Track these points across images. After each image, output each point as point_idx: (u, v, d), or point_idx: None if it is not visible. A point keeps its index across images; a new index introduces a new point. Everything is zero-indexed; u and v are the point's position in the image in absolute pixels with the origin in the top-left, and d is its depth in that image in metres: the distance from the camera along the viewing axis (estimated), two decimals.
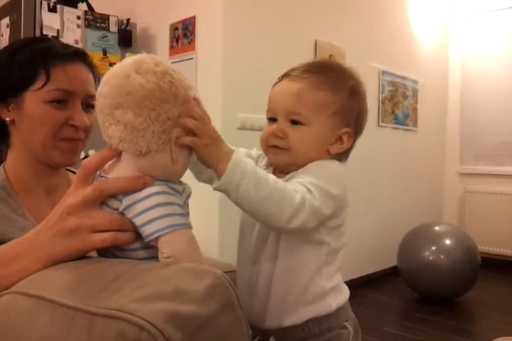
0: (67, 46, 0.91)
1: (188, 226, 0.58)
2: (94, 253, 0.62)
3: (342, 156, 0.84)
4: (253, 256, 0.80)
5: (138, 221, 0.56)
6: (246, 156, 0.73)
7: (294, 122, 0.78)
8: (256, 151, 0.89)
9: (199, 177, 0.80)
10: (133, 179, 0.57)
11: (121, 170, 0.59)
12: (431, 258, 2.74)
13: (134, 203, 0.57)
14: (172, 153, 0.58)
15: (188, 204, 0.65)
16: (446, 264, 2.70)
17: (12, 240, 0.62)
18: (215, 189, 0.65)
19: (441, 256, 2.72)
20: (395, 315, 2.76)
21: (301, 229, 0.70)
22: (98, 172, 0.62)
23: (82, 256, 0.59)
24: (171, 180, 0.61)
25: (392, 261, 3.12)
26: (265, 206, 0.65)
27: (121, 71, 0.57)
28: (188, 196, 0.65)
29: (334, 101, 0.78)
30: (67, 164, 0.92)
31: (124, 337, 0.42)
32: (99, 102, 0.58)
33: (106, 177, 0.60)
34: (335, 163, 0.80)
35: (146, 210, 0.56)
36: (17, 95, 0.85)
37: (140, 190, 0.57)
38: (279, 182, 0.68)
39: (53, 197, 0.91)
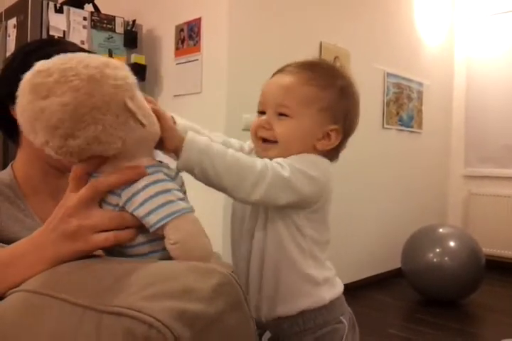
0: (81, 50, 0.92)
1: (191, 209, 0.58)
2: (100, 251, 0.62)
3: (332, 155, 0.85)
4: (245, 252, 0.82)
5: (140, 212, 0.56)
6: (240, 146, 0.79)
7: (282, 114, 0.79)
8: (249, 144, 0.90)
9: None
10: (126, 171, 0.57)
11: (113, 165, 0.58)
12: (435, 260, 2.73)
13: (133, 195, 0.57)
14: (138, 121, 0.56)
15: (185, 191, 0.65)
16: (451, 266, 2.69)
17: (19, 240, 0.63)
18: (178, 169, 0.66)
19: (446, 258, 2.72)
20: (399, 317, 2.75)
21: (270, 203, 0.71)
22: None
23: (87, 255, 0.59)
24: (156, 139, 0.61)
25: (396, 263, 3.12)
26: (227, 177, 0.67)
27: (31, 111, 0.52)
28: (183, 183, 0.65)
29: (322, 98, 0.80)
30: None
31: (133, 335, 0.42)
32: (49, 149, 0.55)
33: (98, 175, 0.60)
34: (320, 157, 0.81)
35: (146, 200, 0.56)
36: None
37: (135, 180, 0.56)
38: (238, 153, 0.69)
39: (60, 199, 0.92)
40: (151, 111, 0.60)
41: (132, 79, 0.56)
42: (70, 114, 0.50)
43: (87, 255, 0.59)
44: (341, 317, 0.81)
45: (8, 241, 0.65)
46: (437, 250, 2.75)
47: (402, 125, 3.56)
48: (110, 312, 0.45)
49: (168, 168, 0.62)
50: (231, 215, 0.87)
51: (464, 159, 4.08)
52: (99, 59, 0.54)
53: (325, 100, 0.80)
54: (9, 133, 0.93)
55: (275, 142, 0.79)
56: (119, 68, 0.55)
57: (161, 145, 0.63)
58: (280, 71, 0.85)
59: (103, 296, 0.48)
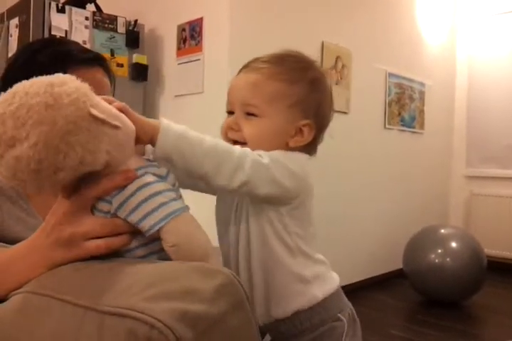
0: (87, 51, 0.92)
1: (185, 209, 0.58)
2: None
3: (308, 150, 0.81)
4: (233, 252, 0.79)
5: (133, 218, 0.55)
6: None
7: (249, 114, 0.76)
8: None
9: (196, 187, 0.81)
10: (114, 176, 0.56)
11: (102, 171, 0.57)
12: (437, 261, 2.73)
13: (124, 201, 0.56)
14: (111, 125, 0.53)
15: (178, 188, 0.64)
16: (452, 267, 2.69)
17: (21, 239, 0.63)
18: (156, 158, 0.64)
19: (447, 259, 2.71)
20: (401, 318, 2.75)
21: (251, 192, 0.68)
22: None
23: None
24: (133, 140, 0.59)
25: (397, 264, 3.11)
26: (206, 161, 0.63)
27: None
28: (176, 181, 0.64)
29: (291, 93, 0.76)
30: None
31: (135, 336, 0.42)
32: None
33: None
34: (296, 153, 0.77)
35: (138, 205, 0.55)
36: None
37: (125, 185, 0.55)
38: (216, 140, 0.66)
39: None
40: (117, 110, 0.57)
41: (84, 87, 0.53)
42: (43, 152, 0.48)
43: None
44: (339, 315, 0.78)
45: (11, 241, 0.65)
46: (439, 251, 2.74)
47: (403, 125, 3.56)
48: (112, 313, 0.45)
49: (157, 166, 0.61)
50: (215, 216, 0.83)
51: (465, 159, 4.07)
52: (42, 81, 0.51)
53: (294, 95, 0.76)
54: None
55: (245, 143, 0.75)
56: (65, 82, 0.51)
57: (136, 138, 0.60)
58: (246, 67, 0.81)
59: (105, 297, 0.47)
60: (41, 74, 0.87)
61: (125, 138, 0.56)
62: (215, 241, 0.79)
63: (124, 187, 0.56)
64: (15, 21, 2.43)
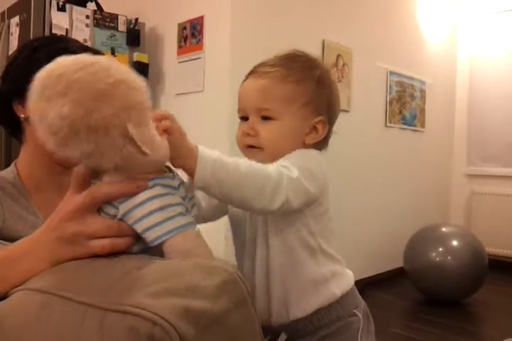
0: (87, 48, 0.92)
1: (191, 224, 0.57)
2: None
3: (321, 145, 0.83)
4: (247, 255, 0.80)
5: (138, 227, 0.56)
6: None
7: (265, 118, 0.78)
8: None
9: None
10: (125, 184, 0.55)
11: (114, 173, 0.57)
12: (437, 259, 2.73)
13: (131, 210, 0.56)
14: (139, 148, 0.52)
15: (191, 198, 0.64)
16: (453, 266, 2.69)
17: (21, 238, 0.63)
18: (197, 188, 0.64)
19: (448, 258, 2.71)
20: (401, 316, 2.75)
21: (287, 209, 0.68)
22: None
23: None
24: (163, 164, 0.59)
25: (398, 262, 3.11)
26: (245, 187, 0.63)
27: (39, 110, 0.51)
28: (188, 189, 0.64)
29: (302, 93, 0.78)
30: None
31: (136, 332, 0.42)
32: (47, 145, 0.53)
33: (99, 182, 0.58)
34: (311, 150, 0.80)
35: (145, 216, 0.55)
36: None
37: (134, 194, 0.55)
38: (250, 163, 0.66)
39: (64, 196, 0.92)
40: (158, 137, 0.55)
41: (147, 103, 0.53)
42: (66, 126, 0.49)
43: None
44: (355, 310, 0.80)
45: (11, 239, 0.65)
46: (440, 249, 2.75)
47: (404, 124, 3.55)
48: (114, 310, 0.44)
49: (172, 178, 0.60)
50: (232, 231, 0.85)
51: (466, 158, 4.07)
52: (120, 73, 0.51)
53: (305, 94, 0.78)
54: (13, 131, 0.93)
55: (261, 148, 0.77)
56: (135, 89, 0.51)
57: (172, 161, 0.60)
58: (254, 72, 0.82)
59: (106, 294, 0.47)
60: (40, 70, 0.87)
61: (146, 163, 0.55)
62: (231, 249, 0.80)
63: (133, 195, 0.55)
64: (15, 20, 2.43)
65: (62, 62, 0.50)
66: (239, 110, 0.82)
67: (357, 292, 0.84)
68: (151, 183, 0.56)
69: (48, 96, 0.49)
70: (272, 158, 0.75)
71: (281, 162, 0.71)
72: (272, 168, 0.67)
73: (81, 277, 0.53)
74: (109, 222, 0.58)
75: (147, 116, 0.53)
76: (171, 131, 0.57)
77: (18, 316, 0.51)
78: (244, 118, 0.81)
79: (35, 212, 0.86)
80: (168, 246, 0.55)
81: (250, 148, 0.78)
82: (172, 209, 0.56)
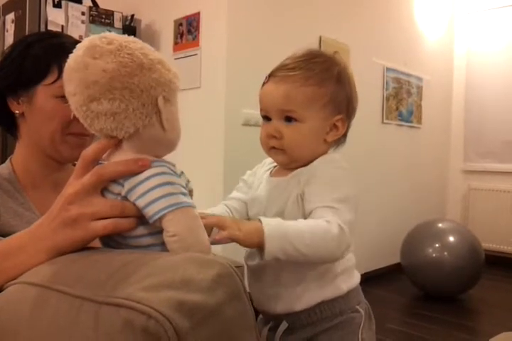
0: (77, 42, 0.92)
1: (191, 205, 0.58)
2: (98, 243, 0.62)
3: (341, 141, 0.86)
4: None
5: (141, 202, 0.56)
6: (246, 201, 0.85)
7: (288, 119, 0.79)
8: (249, 174, 0.92)
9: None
10: (131, 162, 0.57)
11: (121, 155, 0.59)
12: (434, 255, 2.74)
13: (136, 186, 0.57)
14: (161, 122, 0.58)
15: (191, 191, 0.65)
16: (450, 261, 2.70)
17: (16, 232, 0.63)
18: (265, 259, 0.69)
19: (445, 253, 2.72)
20: (398, 312, 2.76)
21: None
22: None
23: (85, 246, 0.59)
24: (172, 149, 0.62)
25: (395, 258, 3.12)
26: (314, 252, 0.69)
27: (77, 63, 0.56)
28: (188, 182, 0.64)
29: (323, 94, 0.80)
30: (75, 159, 0.91)
31: (131, 326, 0.42)
32: (72, 101, 0.57)
33: (105, 162, 0.60)
34: (336, 157, 0.83)
35: (148, 191, 0.56)
36: (28, 88, 0.86)
37: (139, 172, 0.56)
38: (310, 224, 0.70)
39: (60, 191, 0.91)
40: (178, 119, 0.62)
41: (176, 86, 0.60)
42: (105, 80, 0.54)
43: (86, 246, 0.59)
44: (357, 307, 0.82)
45: (7, 235, 0.65)
46: (437, 245, 2.75)
47: (401, 120, 3.55)
48: (108, 303, 0.45)
49: (173, 166, 0.62)
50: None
51: (463, 154, 4.08)
52: (159, 55, 0.60)
53: (326, 95, 0.80)
54: (8, 127, 0.93)
55: (283, 150, 0.80)
56: (170, 71, 0.60)
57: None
58: (273, 76, 0.82)
59: (101, 287, 0.47)
60: (34, 66, 0.86)
61: (160, 139, 0.60)
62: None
63: (139, 173, 0.57)
64: (11, 16, 2.42)
65: (111, 34, 0.58)
66: (261, 110, 0.83)
67: (361, 291, 0.86)
68: (155, 163, 0.58)
69: (93, 53, 0.55)
70: (294, 159, 0.80)
71: (325, 202, 0.72)
72: (331, 224, 0.69)
73: (77, 270, 0.53)
74: (112, 201, 0.58)
75: (175, 96, 0.60)
76: (235, 240, 0.67)
77: (13, 309, 0.51)
78: (266, 118, 0.82)
79: (30, 208, 0.86)
80: (168, 220, 0.55)
81: (273, 149, 0.81)
82: (174, 187, 0.57)
